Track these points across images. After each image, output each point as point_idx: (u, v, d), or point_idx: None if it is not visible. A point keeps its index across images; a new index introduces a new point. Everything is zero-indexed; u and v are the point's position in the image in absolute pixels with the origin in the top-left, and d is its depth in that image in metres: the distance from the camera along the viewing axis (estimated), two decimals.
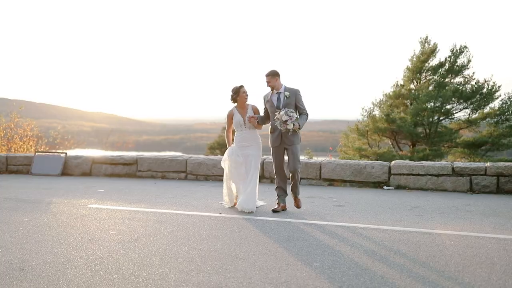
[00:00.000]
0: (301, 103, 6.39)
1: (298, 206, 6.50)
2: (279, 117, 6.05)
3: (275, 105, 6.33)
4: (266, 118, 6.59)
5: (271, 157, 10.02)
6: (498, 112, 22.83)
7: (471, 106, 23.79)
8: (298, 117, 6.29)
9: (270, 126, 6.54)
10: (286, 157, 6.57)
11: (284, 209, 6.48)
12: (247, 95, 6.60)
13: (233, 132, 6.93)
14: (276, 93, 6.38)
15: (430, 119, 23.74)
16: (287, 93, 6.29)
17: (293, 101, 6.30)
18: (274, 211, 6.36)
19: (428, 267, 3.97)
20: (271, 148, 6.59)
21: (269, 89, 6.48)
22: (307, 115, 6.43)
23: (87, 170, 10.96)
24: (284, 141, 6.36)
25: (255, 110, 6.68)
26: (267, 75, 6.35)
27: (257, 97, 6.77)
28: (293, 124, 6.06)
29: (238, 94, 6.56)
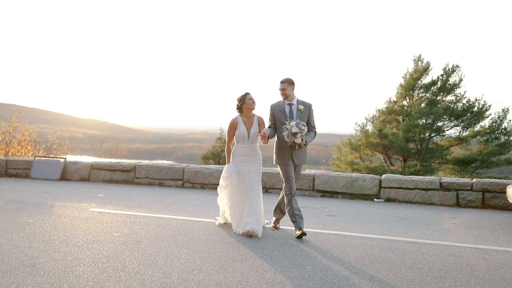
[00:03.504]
0: (313, 119, 5.86)
1: (276, 227, 6.09)
2: (289, 127, 5.45)
3: (287, 116, 5.70)
4: (274, 131, 5.82)
5: (266, 168, 10.34)
6: (488, 130, 23.35)
7: (462, 124, 24.32)
8: (307, 132, 5.62)
9: (276, 140, 5.87)
10: None
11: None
12: (254, 102, 5.85)
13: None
14: (288, 104, 5.76)
15: (422, 136, 24.23)
16: (301, 107, 5.71)
17: (306, 116, 5.74)
18: (301, 236, 5.55)
19: (413, 272, 4.29)
20: (279, 166, 5.84)
21: (275, 99, 5.90)
22: (316, 133, 5.91)
23: (86, 175, 11.19)
24: (293, 158, 5.74)
25: (261, 122, 5.94)
26: (284, 82, 5.73)
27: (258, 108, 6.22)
28: (302, 139, 5.47)
29: (243, 102, 5.84)
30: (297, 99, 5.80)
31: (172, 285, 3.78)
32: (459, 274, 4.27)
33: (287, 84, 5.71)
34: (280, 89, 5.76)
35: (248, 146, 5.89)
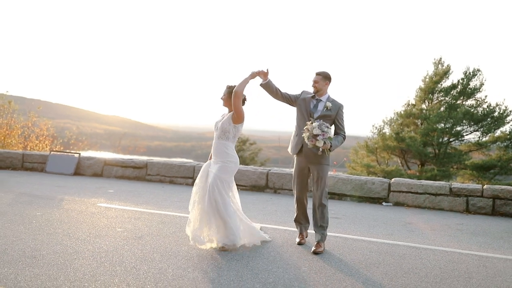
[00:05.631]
0: (342, 121, 5.18)
1: (315, 251, 4.98)
2: (310, 128, 4.84)
3: (309, 110, 5.14)
4: (278, 92, 5.23)
5: (276, 168, 10.36)
6: (508, 136, 22.95)
7: (482, 129, 23.94)
8: (331, 136, 4.95)
9: (295, 128, 5.33)
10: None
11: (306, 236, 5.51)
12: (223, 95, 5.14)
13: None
14: (316, 99, 5.20)
15: (440, 140, 23.92)
16: (329, 104, 5.07)
17: (333, 116, 5.09)
18: (299, 243, 5.33)
19: (409, 277, 4.26)
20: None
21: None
22: (344, 137, 5.18)
23: (99, 171, 11.37)
24: (306, 154, 5.14)
25: (233, 118, 5.00)
26: (318, 74, 5.17)
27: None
28: (324, 142, 4.81)
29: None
30: (328, 96, 5.20)
31: (165, 281, 3.84)
32: (455, 281, 4.23)
33: (321, 78, 5.15)
34: (312, 81, 5.19)
35: (215, 142, 5.09)
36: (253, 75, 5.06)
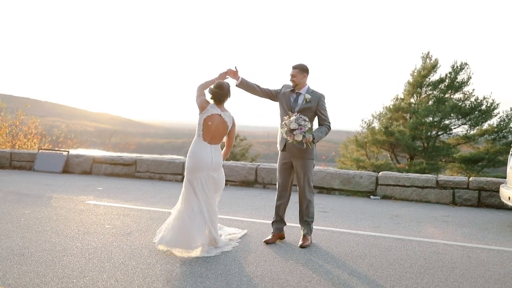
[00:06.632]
0: (324, 111, 5.06)
1: (302, 245, 5.02)
2: (287, 123, 4.75)
3: (289, 105, 5.05)
4: (257, 89, 5.18)
5: (265, 164, 10.41)
6: (496, 129, 23.20)
7: (470, 122, 24.18)
8: (311, 127, 4.92)
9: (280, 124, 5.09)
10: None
11: (281, 238, 5.27)
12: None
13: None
14: (296, 93, 5.10)
15: (429, 134, 24.13)
16: (308, 96, 4.99)
17: (313, 107, 5.01)
18: (267, 242, 5.11)
19: (394, 268, 4.34)
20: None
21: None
22: (329, 127, 5.04)
23: (88, 169, 11.34)
24: (289, 149, 5.06)
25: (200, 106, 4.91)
26: (295, 68, 5.07)
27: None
28: (303, 136, 4.70)
29: None
30: (308, 88, 5.11)
31: (154, 276, 3.87)
32: (439, 271, 4.31)
33: (298, 71, 5.05)
34: (290, 75, 5.09)
35: None
36: (221, 76, 5.02)
